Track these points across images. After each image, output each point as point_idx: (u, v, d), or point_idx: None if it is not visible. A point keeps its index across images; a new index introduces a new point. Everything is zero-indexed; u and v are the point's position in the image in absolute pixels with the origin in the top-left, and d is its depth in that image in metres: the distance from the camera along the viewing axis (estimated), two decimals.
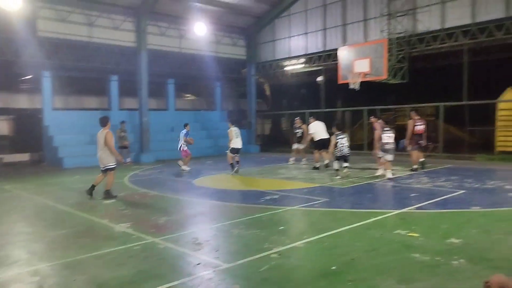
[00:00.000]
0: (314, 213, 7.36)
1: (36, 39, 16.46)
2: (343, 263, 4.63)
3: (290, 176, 12.30)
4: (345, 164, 11.40)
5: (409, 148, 12.55)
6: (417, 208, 7.36)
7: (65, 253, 5.25)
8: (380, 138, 11.22)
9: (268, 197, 8.78)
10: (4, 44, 16.16)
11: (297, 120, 15.64)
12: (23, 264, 4.95)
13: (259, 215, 7.11)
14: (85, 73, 19.83)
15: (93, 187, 9.07)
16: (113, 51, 18.77)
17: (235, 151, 12.90)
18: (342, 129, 11.64)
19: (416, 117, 12.44)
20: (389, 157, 11.06)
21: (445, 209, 7.32)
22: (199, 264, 4.70)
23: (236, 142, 12.92)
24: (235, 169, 12.82)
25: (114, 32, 18.49)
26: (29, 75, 19.70)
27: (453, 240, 5.35)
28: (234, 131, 13.02)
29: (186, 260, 4.94)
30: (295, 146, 15.51)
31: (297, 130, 15.35)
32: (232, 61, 23.52)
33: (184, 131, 14.27)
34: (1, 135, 18.91)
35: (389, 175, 10.96)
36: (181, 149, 14.24)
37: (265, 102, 29.24)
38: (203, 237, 5.84)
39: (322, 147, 13.41)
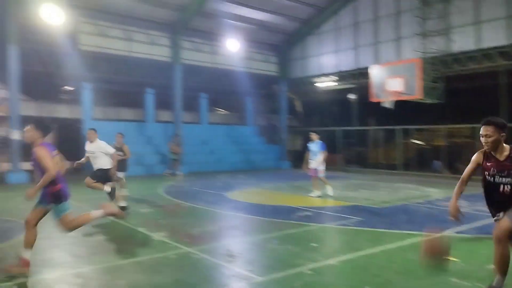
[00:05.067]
0: (348, 232, 7.30)
1: (78, 52, 17.27)
2: (377, 284, 4.59)
3: (322, 193, 12.18)
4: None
5: None
6: (457, 232, 7.17)
7: (105, 258, 5.46)
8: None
9: (300, 214, 8.79)
10: (48, 56, 17.07)
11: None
12: (67, 267, 5.17)
13: (291, 231, 7.14)
14: (123, 86, 20.54)
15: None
16: (149, 65, 19.43)
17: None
18: None
19: None
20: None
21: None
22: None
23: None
24: None
25: (150, 47, 19.19)
26: (70, 87, 20.56)
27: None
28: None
29: (220, 271, 5.03)
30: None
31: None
32: (263, 77, 23.82)
33: None
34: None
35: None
36: None
37: (295, 118, 29.31)
38: (236, 250, 5.92)
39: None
